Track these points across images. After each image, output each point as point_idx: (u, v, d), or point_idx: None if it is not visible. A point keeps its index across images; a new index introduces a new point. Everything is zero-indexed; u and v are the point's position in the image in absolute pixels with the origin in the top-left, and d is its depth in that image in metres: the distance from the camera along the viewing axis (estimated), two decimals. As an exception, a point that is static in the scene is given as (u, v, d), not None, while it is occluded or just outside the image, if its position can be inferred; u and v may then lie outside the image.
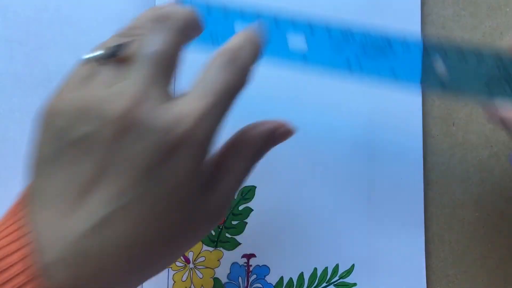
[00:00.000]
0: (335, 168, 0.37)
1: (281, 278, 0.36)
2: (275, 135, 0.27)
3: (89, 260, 0.20)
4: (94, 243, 0.20)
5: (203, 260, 0.36)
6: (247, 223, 0.36)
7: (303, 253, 0.36)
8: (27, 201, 0.22)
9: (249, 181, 0.36)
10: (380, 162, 0.36)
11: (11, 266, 0.20)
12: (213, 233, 0.36)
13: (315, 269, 0.36)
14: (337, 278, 0.36)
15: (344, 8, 0.37)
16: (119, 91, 0.21)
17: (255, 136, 0.26)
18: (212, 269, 0.36)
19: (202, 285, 0.36)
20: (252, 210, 0.36)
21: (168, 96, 0.22)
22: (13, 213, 0.22)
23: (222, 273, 0.36)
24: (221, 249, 0.36)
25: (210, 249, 0.36)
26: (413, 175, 0.36)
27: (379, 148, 0.36)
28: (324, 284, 0.36)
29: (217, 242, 0.36)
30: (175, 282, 0.36)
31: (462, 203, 0.37)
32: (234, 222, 0.36)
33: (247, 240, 0.36)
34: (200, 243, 0.36)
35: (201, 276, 0.36)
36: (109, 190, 0.20)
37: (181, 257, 0.36)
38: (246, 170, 0.26)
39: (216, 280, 0.36)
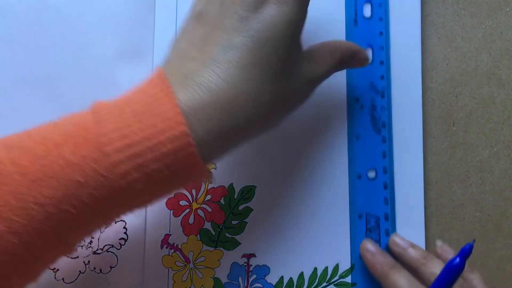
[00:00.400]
0: (335, 168, 0.37)
1: (281, 278, 0.36)
2: (357, 55, 0.32)
3: (211, 93, 0.26)
4: (218, 79, 0.26)
5: (203, 260, 0.36)
6: (247, 223, 0.36)
7: (303, 253, 0.36)
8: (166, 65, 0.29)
9: (249, 181, 0.36)
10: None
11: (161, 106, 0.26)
12: (213, 233, 0.36)
13: (315, 269, 0.36)
14: (337, 278, 0.36)
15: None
16: None
17: (347, 47, 0.32)
18: (212, 269, 0.36)
19: (202, 285, 0.36)
20: (252, 210, 0.36)
21: None
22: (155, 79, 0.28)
23: (222, 273, 0.36)
24: (221, 249, 0.36)
25: (210, 249, 0.36)
26: (413, 174, 0.36)
27: (379, 148, 0.37)
28: (324, 284, 0.36)
29: (217, 242, 0.36)
30: (175, 282, 0.36)
31: (462, 203, 0.37)
32: (234, 222, 0.36)
33: (247, 240, 0.36)
34: (200, 243, 0.36)
35: (201, 276, 0.36)
36: (220, 38, 0.27)
37: (181, 257, 0.36)
38: (331, 68, 0.31)
39: (216, 280, 0.36)
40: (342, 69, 0.34)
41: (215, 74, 0.27)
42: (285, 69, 0.28)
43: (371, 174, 0.36)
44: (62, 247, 0.26)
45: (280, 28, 0.27)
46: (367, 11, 0.37)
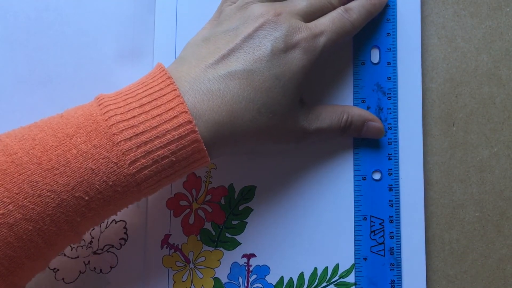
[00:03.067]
0: (335, 168, 0.37)
1: (281, 278, 0.36)
2: (370, 124, 0.35)
3: (210, 96, 0.29)
4: (220, 86, 0.30)
5: (203, 260, 0.36)
6: (247, 223, 0.36)
7: (303, 253, 0.36)
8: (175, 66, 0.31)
9: (249, 181, 0.36)
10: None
11: (166, 99, 0.28)
12: (213, 233, 0.36)
13: (315, 269, 0.36)
14: (337, 278, 0.36)
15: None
16: (264, 6, 0.32)
17: (358, 112, 0.35)
18: (212, 269, 0.36)
19: (202, 285, 0.36)
20: (252, 210, 0.36)
21: (300, 18, 0.33)
22: (158, 73, 0.30)
23: (222, 273, 0.36)
24: (221, 249, 0.36)
25: (210, 249, 0.36)
26: (413, 175, 0.36)
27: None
28: (324, 284, 0.36)
29: (217, 242, 0.36)
30: (175, 282, 0.36)
31: (462, 203, 0.37)
32: (234, 222, 0.36)
33: (247, 240, 0.36)
34: (200, 243, 0.36)
35: (201, 276, 0.36)
36: (245, 56, 0.30)
37: (182, 257, 0.36)
38: (333, 127, 0.34)
39: (216, 280, 0.36)
40: (350, 135, 0.36)
41: (226, 85, 0.30)
42: (285, 107, 0.31)
43: (376, 176, 0.36)
44: (73, 234, 0.28)
45: (296, 71, 0.31)
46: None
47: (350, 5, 0.34)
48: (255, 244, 0.36)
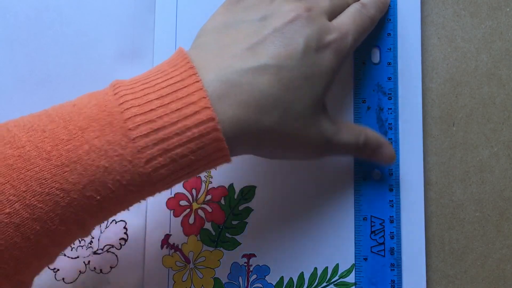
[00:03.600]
0: (335, 168, 0.37)
1: (281, 278, 0.36)
2: (383, 149, 0.34)
3: (236, 90, 0.27)
4: (249, 80, 0.27)
5: (203, 260, 0.36)
6: (247, 223, 0.36)
7: (303, 253, 0.36)
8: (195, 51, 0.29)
9: (249, 181, 0.36)
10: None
11: (187, 92, 0.26)
12: (213, 233, 0.36)
13: (315, 269, 0.36)
14: (337, 278, 0.36)
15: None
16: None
17: (375, 136, 0.34)
18: (213, 269, 0.36)
19: (202, 285, 0.36)
20: (252, 210, 0.36)
21: (327, 16, 0.31)
22: (178, 59, 0.28)
23: (222, 273, 0.36)
24: (221, 249, 0.36)
25: (210, 249, 0.36)
26: (413, 175, 0.36)
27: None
28: (324, 284, 0.36)
29: (217, 242, 0.36)
30: (175, 282, 0.36)
31: (462, 203, 0.37)
32: (234, 222, 0.36)
33: (247, 240, 0.36)
34: (200, 243, 0.36)
35: (201, 276, 0.36)
36: (275, 50, 0.28)
37: (182, 257, 0.36)
38: (350, 144, 0.32)
39: (217, 280, 0.36)
40: (361, 156, 0.35)
41: (256, 79, 0.27)
42: (311, 109, 0.29)
43: (377, 176, 0.36)
44: (81, 231, 0.26)
45: (326, 72, 0.30)
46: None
47: (364, 0, 0.34)
48: (255, 244, 0.36)
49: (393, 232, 0.36)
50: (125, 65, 0.37)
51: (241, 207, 0.36)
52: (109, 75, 0.37)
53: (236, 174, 0.36)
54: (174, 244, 0.36)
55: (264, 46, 0.28)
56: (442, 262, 0.36)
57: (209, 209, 0.36)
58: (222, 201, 0.36)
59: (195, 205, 0.36)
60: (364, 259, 0.36)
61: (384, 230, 0.36)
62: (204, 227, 0.36)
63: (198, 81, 0.26)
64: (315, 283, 0.36)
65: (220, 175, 0.36)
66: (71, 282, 0.35)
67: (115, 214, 0.27)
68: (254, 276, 0.36)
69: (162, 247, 0.36)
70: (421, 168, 0.36)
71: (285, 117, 0.28)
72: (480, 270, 0.36)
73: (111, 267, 0.36)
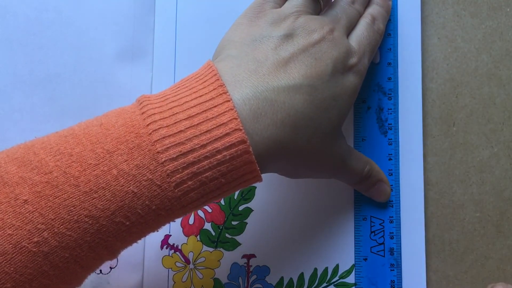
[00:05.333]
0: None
1: (281, 278, 0.36)
2: (381, 185, 0.35)
3: (274, 108, 0.27)
4: (285, 99, 0.27)
5: (203, 261, 0.36)
6: (247, 223, 0.36)
7: (303, 253, 0.36)
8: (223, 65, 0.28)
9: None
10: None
11: (218, 112, 0.25)
12: (213, 233, 0.36)
13: (315, 269, 0.36)
14: (337, 278, 0.36)
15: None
16: (320, 19, 0.31)
17: (378, 170, 0.35)
18: (212, 269, 0.36)
19: (202, 286, 0.36)
20: (252, 210, 0.36)
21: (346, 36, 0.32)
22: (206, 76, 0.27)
23: (222, 273, 0.36)
24: (221, 249, 0.36)
25: (210, 249, 0.36)
26: (413, 175, 0.36)
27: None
28: (324, 284, 0.36)
29: (217, 242, 0.36)
30: (175, 282, 0.36)
31: (462, 203, 0.37)
32: (234, 223, 0.36)
33: (247, 240, 0.36)
34: (200, 243, 0.36)
35: (201, 277, 0.36)
36: (307, 70, 0.28)
37: (182, 258, 0.36)
38: (357, 171, 0.33)
39: (216, 280, 0.36)
40: (359, 187, 0.35)
41: (291, 98, 0.27)
42: (336, 130, 0.30)
43: None
44: (110, 255, 0.26)
45: (350, 94, 0.30)
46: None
47: (373, 13, 0.34)
48: (255, 245, 0.36)
49: (393, 232, 0.36)
50: (125, 65, 0.37)
51: (241, 208, 0.36)
52: (109, 75, 0.37)
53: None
54: (174, 244, 0.36)
55: (296, 65, 0.28)
56: (442, 262, 0.36)
57: (209, 210, 0.36)
58: (222, 202, 0.36)
59: (195, 205, 0.36)
60: (364, 259, 0.36)
61: (384, 230, 0.36)
62: (204, 227, 0.36)
63: (228, 101, 0.25)
64: (315, 284, 0.36)
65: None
66: (71, 283, 0.35)
67: (144, 236, 0.27)
68: (254, 277, 0.36)
69: (162, 247, 0.36)
70: (421, 168, 0.36)
71: (315, 137, 0.28)
72: (480, 271, 0.36)
73: (110, 268, 0.36)
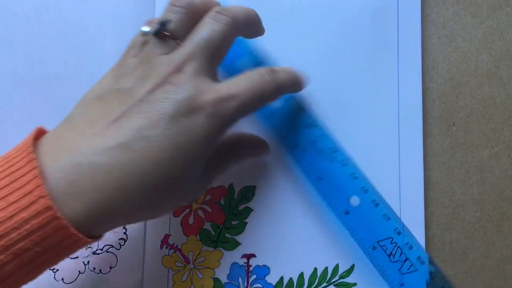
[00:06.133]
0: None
1: (281, 278, 0.36)
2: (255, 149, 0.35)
3: (92, 173, 0.25)
4: (107, 160, 0.25)
5: (203, 260, 0.36)
6: (247, 223, 0.36)
7: (303, 253, 0.36)
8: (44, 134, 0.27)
9: (249, 181, 0.36)
10: (380, 163, 0.36)
11: (24, 181, 0.24)
12: (213, 233, 0.36)
13: (315, 269, 0.36)
14: (337, 278, 0.36)
15: (345, 8, 0.37)
16: (166, 60, 0.28)
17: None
18: (212, 269, 0.36)
19: (202, 285, 0.36)
20: (252, 210, 0.36)
21: (207, 75, 0.28)
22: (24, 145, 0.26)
23: (222, 273, 0.36)
24: (221, 249, 0.36)
25: (210, 249, 0.36)
26: (413, 175, 0.36)
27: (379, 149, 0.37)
28: (324, 284, 0.36)
29: (217, 242, 0.36)
30: (175, 282, 0.36)
31: (462, 203, 0.37)
32: (234, 222, 0.36)
33: (247, 240, 0.36)
34: (200, 243, 0.36)
35: (201, 276, 0.36)
36: (136, 124, 0.26)
37: (181, 258, 0.36)
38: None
39: (216, 280, 0.36)
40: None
41: (116, 158, 0.25)
42: (187, 180, 0.28)
43: (355, 202, 0.34)
44: None
45: (199, 140, 0.27)
46: (367, 11, 0.37)
47: (276, 68, 0.31)
48: (255, 244, 0.36)
49: (408, 243, 0.35)
50: (125, 65, 0.37)
51: (241, 207, 0.36)
52: (109, 75, 0.37)
53: (236, 174, 0.36)
54: (173, 244, 0.36)
55: (128, 118, 0.26)
56: (442, 262, 0.36)
57: (209, 209, 0.36)
58: (222, 201, 0.36)
59: (194, 205, 0.36)
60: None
61: (399, 246, 0.35)
62: (204, 227, 0.36)
63: (35, 168, 0.24)
64: (315, 283, 0.36)
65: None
66: (70, 282, 0.35)
67: None
68: (254, 276, 0.36)
69: (161, 247, 0.36)
70: (421, 168, 0.36)
71: (156, 192, 0.26)
72: (480, 271, 0.36)
73: (110, 267, 0.36)
